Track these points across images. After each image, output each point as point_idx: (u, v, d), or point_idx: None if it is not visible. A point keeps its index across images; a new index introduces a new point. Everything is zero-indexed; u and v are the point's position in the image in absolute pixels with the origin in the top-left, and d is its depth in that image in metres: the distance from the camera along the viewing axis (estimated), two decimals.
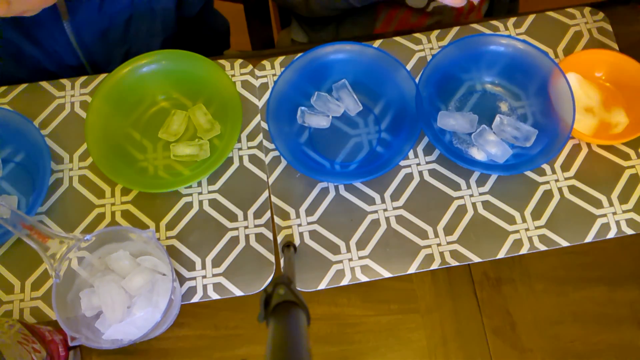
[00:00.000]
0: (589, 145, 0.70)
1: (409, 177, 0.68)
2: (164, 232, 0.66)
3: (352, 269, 0.64)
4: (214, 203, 0.67)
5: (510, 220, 0.66)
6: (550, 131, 0.66)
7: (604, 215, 0.66)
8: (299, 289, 0.60)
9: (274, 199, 0.67)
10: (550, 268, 0.65)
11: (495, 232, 0.65)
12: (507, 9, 0.96)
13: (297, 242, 0.65)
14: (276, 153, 0.70)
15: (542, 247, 0.64)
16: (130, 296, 0.59)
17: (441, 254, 0.64)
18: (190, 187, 0.68)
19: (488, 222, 0.66)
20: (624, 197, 0.66)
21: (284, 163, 0.69)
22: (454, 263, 0.64)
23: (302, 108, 0.70)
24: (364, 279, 0.63)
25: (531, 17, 0.77)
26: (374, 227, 0.66)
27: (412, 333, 0.62)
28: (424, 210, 0.66)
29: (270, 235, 0.66)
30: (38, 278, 0.64)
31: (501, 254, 0.64)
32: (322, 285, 0.63)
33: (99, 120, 0.68)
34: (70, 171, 0.70)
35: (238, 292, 0.63)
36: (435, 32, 0.76)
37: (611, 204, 0.66)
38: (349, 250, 0.65)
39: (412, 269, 0.64)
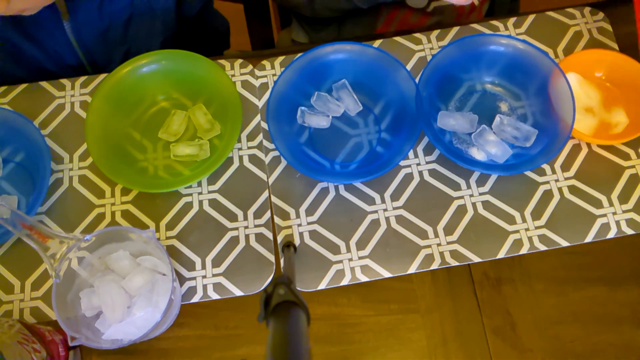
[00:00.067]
0: (589, 145, 0.70)
1: (409, 177, 0.68)
2: (164, 232, 0.66)
3: (352, 269, 0.64)
4: (214, 203, 0.67)
5: (510, 220, 0.66)
6: (550, 131, 0.66)
7: (604, 215, 0.66)
8: (299, 289, 0.60)
9: (274, 199, 0.67)
10: (550, 268, 0.65)
11: (495, 232, 0.65)
12: (507, 8, 0.96)
13: (297, 242, 0.65)
14: (276, 153, 0.70)
15: (542, 247, 0.64)
16: (130, 296, 0.59)
17: (441, 254, 0.64)
18: (190, 187, 0.68)
19: (488, 222, 0.66)
20: (624, 197, 0.66)
21: (284, 163, 0.69)
22: (454, 263, 0.64)
23: (302, 108, 0.70)
24: (364, 279, 0.63)
25: (531, 17, 0.77)
26: (374, 227, 0.66)
27: (412, 333, 0.62)
28: (424, 210, 0.66)
29: (270, 235, 0.66)
30: (38, 278, 0.64)
31: (501, 254, 0.64)
32: (322, 285, 0.63)
33: (99, 120, 0.68)
34: (70, 171, 0.70)
35: (238, 292, 0.63)
36: (435, 32, 0.76)
37: (611, 204, 0.66)
38: (349, 250, 0.65)
39: (412, 269, 0.64)
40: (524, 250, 0.64)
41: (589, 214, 0.66)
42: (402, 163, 0.69)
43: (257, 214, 0.67)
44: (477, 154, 0.68)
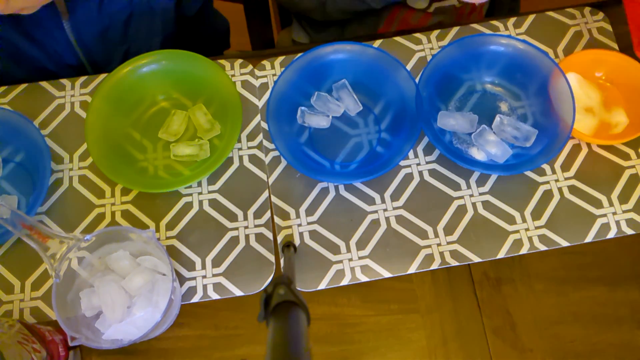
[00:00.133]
0: (589, 145, 0.70)
1: (409, 177, 0.68)
2: (164, 232, 0.66)
3: (352, 269, 0.64)
4: (214, 203, 0.67)
5: (510, 220, 0.66)
6: (550, 131, 0.66)
7: (604, 215, 0.66)
8: (299, 289, 0.60)
9: (274, 199, 0.67)
10: (550, 268, 0.65)
11: (495, 232, 0.65)
12: (507, 8, 0.96)
13: (297, 242, 0.65)
14: (276, 153, 0.70)
15: (542, 247, 0.64)
16: (130, 296, 0.59)
17: (441, 254, 0.64)
18: (190, 187, 0.68)
19: (488, 222, 0.66)
20: (624, 197, 0.66)
21: (284, 163, 0.69)
22: (454, 263, 0.64)
23: (302, 108, 0.70)
24: (364, 279, 0.63)
25: (531, 17, 0.77)
26: (374, 227, 0.66)
27: (412, 333, 0.62)
28: (424, 210, 0.66)
29: (270, 235, 0.66)
30: (38, 278, 0.64)
31: (501, 254, 0.64)
32: (322, 285, 0.63)
33: (99, 120, 0.68)
34: (70, 171, 0.70)
35: (238, 292, 0.63)
36: (435, 32, 0.76)
37: (611, 204, 0.66)
38: (349, 250, 0.65)
39: (412, 269, 0.64)
40: (524, 250, 0.64)
41: (589, 214, 0.66)
42: (402, 163, 0.69)
43: (257, 214, 0.67)
44: (477, 154, 0.68)
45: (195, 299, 0.63)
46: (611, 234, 0.65)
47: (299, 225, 0.66)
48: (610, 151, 0.69)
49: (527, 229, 0.65)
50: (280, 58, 0.76)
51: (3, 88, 0.74)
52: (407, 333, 0.62)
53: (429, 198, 0.67)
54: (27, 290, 0.64)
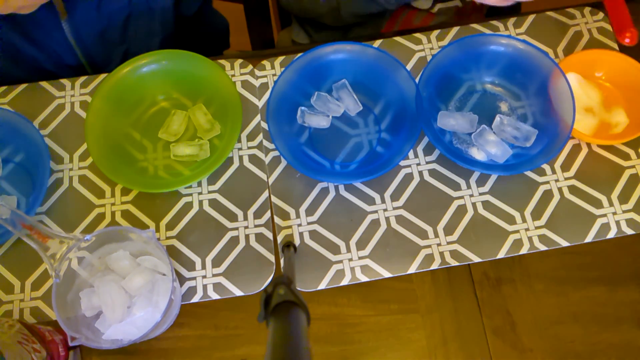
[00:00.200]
0: (589, 145, 0.70)
1: (409, 177, 0.68)
2: (164, 232, 0.66)
3: (352, 269, 0.64)
4: (214, 203, 0.67)
5: (510, 220, 0.66)
6: (550, 131, 0.66)
7: (604, 215, 0.66)
8: (299, 289, 0.60)
9: (274, 199, 0.67)
10: (550, 268, 0.65)
11: (495, 232, 0.65)
12: (508, 8, 0.96)
13: (297, 242, 0.65)
14: (276, 153, 0.70)
15: (542, 247, 0.64)
16: (130, 296, 0.59)
17: (441, 254, 0.64)
18: (190, 187, 0.68)
19: (488, 222, 0.66)
20: (624, 197, 0.66)
21: (284, 163, 0.69)
22: (454, 263, 0.64)
23: (302, 108, 0.70)
24: (364, 279, 0.63)
25: (531, 17, 0.77)
26: (374, 227, 0.66)
27: (412, 333, 0.62)
28: (424, 210, 0.66)
29: (270, 235, 0.66)
30: (38, 278, 0.64)
31: (501, 254, 0.64)
32: (322, 285, 0.63)
33: (99, 120, 0.68)
34: (70, 171, 0.70)
35: (238, 292, 0.63)
36: (435, 32, 0.76)
37: (611, 204, 0.66)
38: (349, 250, 0.65)
39: (412, 269, 0.64)
40: (524, 250, 0.64)
41: (589, 214, 0.66)
42: (402, 163, 0.69)
43: (257, 214, 0.67)
44: (477, 154, 0.68)
45: (195, 299, 0.63)
46: (611, 234, 0.65)
47: (299, 225, 0.66)
48: (610, 151, 0.69)
49: (527, 229, 0.65)
50: (280, 58, 0.76)
51: (3, 88, 0.74)
52: (407, 333, 0.62)
53: (429, 198, 0.67)
54: (27, 290, 0.64)
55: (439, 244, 0.65)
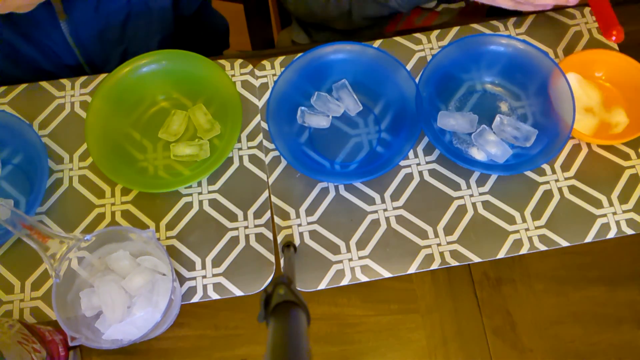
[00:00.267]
0: (589, 145, 0.70)
1: (409, 177, 0.68)
2: (164, 232, 0.66)
3: (352, 269, 0.64)
4: (214, 203, 0.67)
5: (510, 220, 0.66)
6: (550, 131, 0.66)
7: (604, 215, 0.66)
8: (299, 289, 0.60)
9: (274, 199, 0.67)
10: (550, 268, 0.65)
11: (495, 232, 0.65)
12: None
13: (297, 242, 0.65)
14: (276, 153, 0.70)
15: (542, 247, 0.64)
16: (130, 296, 0.59)
17: (441, 254, 0.64)
18: (190, 187, 0.68)
19: (488, 222, 0.66)
20: (624, 197, 0.66)
21: (284, 163, 0.69)
22: (454, 263, 0.64)
23: (302, 108, 0.70)
24: (364, 279, 0.63)
25: (531, 17, 0.77)
26: (374, 227, 0.66)
27: (412, 333, 0.62)
28: (424, 210, 0.66)
29: (270, 235, 0.66)
30: (38, 278, 0.64)
31: (501, 254, 0.64)
32: (322, 285, 0.63)
33: (99, 120, 0.68)
34: (70, 171, 0.70)
35: (238, 292, 0.63)
36: (435, 32, 0.76)
37: (611, 204, 0.66)
38: (349, 250, 0.65)
39: (412, 269, 0.64)
40: (524, 250, 0.64)
41: (589, 214, 0.66)
42: (402, 163, 0.69)
43: (257, 214, 0.67)
44: (477, 154, 0.68)
45: (195, 299, 0.63)
46: (611, 234, 0.65)
47: (299, 225, 0.66)
48: (610, 151, 0.69)
49: (527, 229, 0.65)
50: (280, 58, 0.76)
51: (3, 88, 0.74)
52: (407, 333, 0.62)
53: (429, 198, 0.67)
54: (27, 290, 0.64)
55: (439, 244, 0.65)
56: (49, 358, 0.55)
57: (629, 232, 0.65)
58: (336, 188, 0.68)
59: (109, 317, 0.57)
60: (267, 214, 0.67)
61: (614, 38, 0.66)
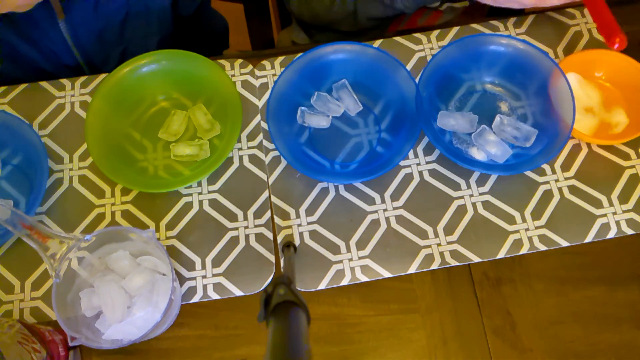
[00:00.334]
0: (589, 145, 0.70)
1: (409, 177, 0.68)
2: (164, 232, 0.66)
3: (352, 269, 0.64)
4: (214, 203, 0.67)
5: (510, 220, 0.66)
6: (550, 131, 0.66)
7: (604, 215, 0.66)
8: (299, 289, 0.60)
9: (274, 199, 0.67)
10: (550, 268, 0.65)
11: (495, 232, 0.65)
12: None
13: (297, 242, 0.65)
14: (276, 153, 0.70)
15: (542, 247, 0.64)
16: (130, 296, 0.59)
17: (441, 254, 0.64)
18: (190, 187, 0.68)
19: (488, 222, 0.66)
20: (624, 197, 0.66)
21: (284, 163, 0.69)
22: (454, 263, 0.64)
23: (302, 108, 0.70)
24: (364, 279, 0.63)
25: (531, 17, 0.77)
26: (374, 227, 0.66)
27: (412, 333, 0.62)
28: (424, 210, 0.66)
29: (270, 235, 0.66)
30: (38, 278, 0.64)
31: (501, 254, 0.64)
32: (322, 285, 0.63)
33: (99, 120, 0.68)
34: (70, 171, 0.70)
35: (238, 292, 0.63)
36: (435, 32, 0.76)
37: (611, 204, 0.66)
38: (349, 250, 0.65)
39: (412, 269, 0.64)
40: (524, 250, 0.64)
41: (589, 214, 0.66)
42: (402, 163, 0.69)
43: (257, 214, 0.67)
44: (477, 154, 0.68)
45: (195, 299, 0.63)
46: (611, 234, 0.65)
47: (299, 225, 0.66)
48: (610, 151, 0.69)
49: (527, 229, 0.65)
50: (280, 58, 0.76)
51: (3, 88, 0.74)
52: (407, 333, 0.62)
53: (429, 198, 0.67)
54: (27, 290, 0.64)
55: (439, 244, 0.65)
56: (49, 358, 0.55)
57: (629, 232, 0.65)
58: (336, 188, 0.68)
59: (109, 317, 0.57)
60: (267, 214, 0.67)
61: (616, 46, 0.65)
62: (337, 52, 0.70)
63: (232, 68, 0.75)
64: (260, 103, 0.73)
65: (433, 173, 0.68)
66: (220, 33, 1.07)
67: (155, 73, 0.72)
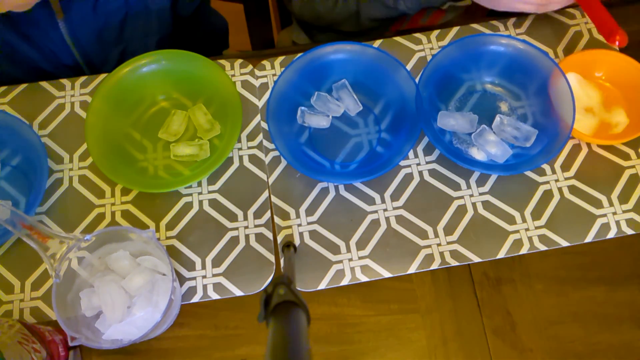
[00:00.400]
0: (589, 145, 0.70)
1: (409, 177, 0.68)
2: (164, 232, 0.66)
3: (352, 269, 0.64)
4: (214, 203, 0.67)
5: (510, 220, 0.66)
6: (550, 131, 0.66)
7: (604, 215, 0.66)
8: (299, 289, 0.60)
9: (274, 199, 0.67)
10: (550, 268, 0.65)
11: (495, 232, 0.65)
12: None
13: (297, 242, 0.65)
14: (276, 153, 0.70)
15: (542, 247, 0.64)
16: (130, 296, 0.59)
17: (441, 254, 0.64)
18: (190, 187, 0.68)
19: (488, 222, 0.66)
20: (624, 197, 0.66)
21: (284, 163, 0.69)
22: (454, 263, 0.64)
23: (302, 108, 0.70)
24: (364, 279, 0.63)
25: (531, 17, 0.77)
26: (374, 227, 0.66)
27: (412, 333, 0.62)
28: (424, 210, 0.66)
29: (270, 235, 0.66)
30: (38, 278, 0.64)
31: (501, 254, 0.64)
32: (322, 285, 0.63)
33: (99, 120, 0.68)
34: (70, 171, 0.70)
35: (238, 292, 0.63)
36: (435, 32, 0.76)
37: (611, 204, 0.66)
38: (349, 250, 0.65)
39: (412, 269, 0.64)
40: (524, 250, 0.64)
41: (589, 214, 0.66)
42: (402, 163, 0.69)
43: (257, 214, 0.67)
44: (477, 154, 0.68)
45: (195, 299, 0.63)
46: (611, 234, 0.65)
47: (299, 225, 0.66)
48: (610, 151, 0.69)
49: (527, 229, 0.65)
50: (280, 58, 0.76)
51: (3, 88, 0.74)
52: (407, 333, 0.62)
53: (429, 198, 0.67)
54: (27, 290, 0.64)
55: (439, 244, 0.65)
56: (49, 358, 0.55)
57: (629, 232, 0.65)
58: (336, 188, 0.68)
59: (109, 317, 0.57)
60: (267, 214, 0.67)
61: (617, 43, 0.65)
62: (337, 52, 0.70)
63: (232, 68, 0.75)
64: (260, 103, 0.73)
65: (433, 173, 0.68)
66: (220, 33, 1.07)
67: (155, 73, 0.72)
